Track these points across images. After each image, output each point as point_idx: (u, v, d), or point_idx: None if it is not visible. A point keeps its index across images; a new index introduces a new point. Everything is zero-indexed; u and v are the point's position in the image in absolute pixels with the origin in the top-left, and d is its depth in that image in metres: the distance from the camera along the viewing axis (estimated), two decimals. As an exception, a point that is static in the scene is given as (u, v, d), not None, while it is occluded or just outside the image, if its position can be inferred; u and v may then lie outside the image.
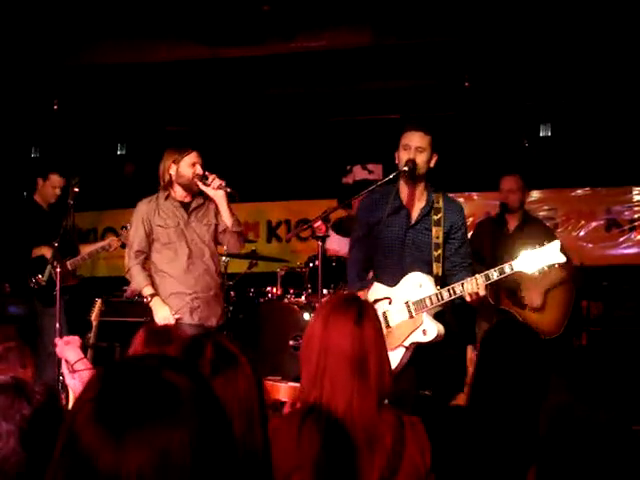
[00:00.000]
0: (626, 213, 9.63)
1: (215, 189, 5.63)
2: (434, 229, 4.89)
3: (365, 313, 2.68)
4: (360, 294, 4.89)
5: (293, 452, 2.45)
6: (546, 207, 9.73)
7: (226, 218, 5.74)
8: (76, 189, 6.49)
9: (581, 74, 8.82)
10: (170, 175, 5.78)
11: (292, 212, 10.46)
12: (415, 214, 4.97)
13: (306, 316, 7.14)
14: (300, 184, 10.34)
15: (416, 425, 2.67)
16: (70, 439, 1.17)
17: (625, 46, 8.01)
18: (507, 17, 7.54)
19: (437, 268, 4.87)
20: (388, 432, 2.57)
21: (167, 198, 5.82)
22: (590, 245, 9.60)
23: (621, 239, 9.61)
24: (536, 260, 4.58)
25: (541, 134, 9.84)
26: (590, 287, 8.32)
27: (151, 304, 5.78)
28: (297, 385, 2.77)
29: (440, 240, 4.87)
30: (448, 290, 4.70)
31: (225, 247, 6.23)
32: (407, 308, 4.81)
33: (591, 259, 9.41)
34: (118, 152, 10.93)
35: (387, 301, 4.90)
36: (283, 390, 5.44)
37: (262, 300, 8.13)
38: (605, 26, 7.60)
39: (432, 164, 4.95)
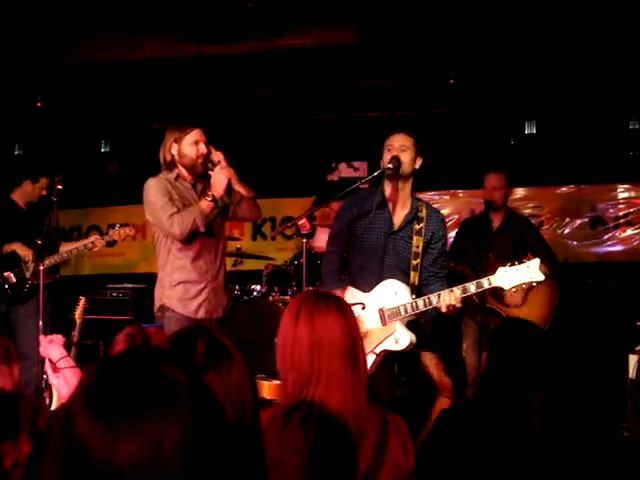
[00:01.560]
0: (611, 211, 9.67)
1: (224, 167, 5.26)
2: (415, 238, 4.85)
3: (343, 303, 2.71)
4: (338, 293, 4.83)
5: (275, 449, 2.44)
6: (531, 204, 9.76)
7: (241, 188, 5.46)
8: (59, 186, 6.44)
9: (566, 72, 8.84)
10: (172, 155, 5.35)
11: (277, 209, 10.45)
12: (398, 221, 4.92)
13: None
14: (285, 181, 10.33)
15: (399, 424, 2.68)
16: (65, 427, 1.18)
17: (609, 43, 8.03)
18: (492, 15, 7.55)
19: (414, 277, 4.84)
20: (373, 428, 2.57)
21: (177, 178, 5.38)
22: (575, 242, 9.63)
23: (606, 236, 9.64)
24: (514, 277, 4.54)
25: (526, 132, 9.87)
26: (575, 284, 8.34)
27: (213, 182, 5.20)
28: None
29: (420, 250, 4.84)
30: (424, 300, 4.64)
31: (244, 217, 5.76)
32: (380, 315, 4.76)
33: (576, 256, 9.45)
34: (102, 150, 10.91)
35: (360, 306, 4.84)
36: (267, 388, 5.43)
37: (247, 298, 8.12)
38: (589, 24, 7.62)
39: (417, 165, 4.89)
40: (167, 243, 5.36)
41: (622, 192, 9.65)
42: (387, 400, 4.69)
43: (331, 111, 10.18)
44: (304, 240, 7.01)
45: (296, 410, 2.54)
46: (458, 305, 4.55)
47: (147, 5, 7.25)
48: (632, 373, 5.62)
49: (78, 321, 6.00)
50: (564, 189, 9.78)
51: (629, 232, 9.59)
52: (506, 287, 4.54)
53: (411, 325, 4.76)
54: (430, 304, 4.60)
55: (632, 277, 8.91)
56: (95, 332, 7.77)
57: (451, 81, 9.05)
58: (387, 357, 4.74)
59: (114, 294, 9.24)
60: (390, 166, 4.79)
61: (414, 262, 4.82)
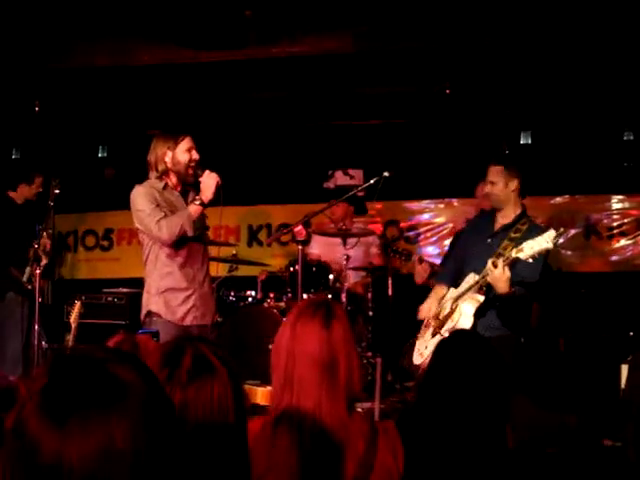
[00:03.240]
0: (605, 221, 9.70)
1: (210, 173, 5.25)
2: (505, 242, 5.21)
3: (333, 315, 2.68)
4: (435, 285, 5.64)
5: (266, 456, 2.46)
6: (526, 214, 9.79)
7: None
8: (56, 191, 6.48)
9: (562, 83, 8.87)
10: (165, 163, 5.31)
11: (273, 216, 10.48)
12: (497, 227, 5.39)
13: (286, 320, 7.15)
14: (281, 188, 10.35)
15: (389, 430, 2.68)
16: (17, 428, 1.20)
17: (604, 55, 8.07)
18: (489, 25, 7.59)
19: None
20: (360, 439, 2.58)
21: (165, 187, 5.35)
22: (569, 252, 9.66)
23: (600, 247, 9.68)
24: (528, 248, 4.75)
25: (521, 142, 9.89)
26: (568, 294, 8.38)
27: (203, 187, 5.23)
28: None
29: (504, 252, 5.10)
30: (475, 280, 5.06)
31: None
32: (452, 301, 5.23)
33: (569, 266, 9.48)
34: (99, 155, 10.92)
35: (451, 299, 5.30)
36: (261, 394, 5.45)
37: (242, 304, 8.13)
38: (585, 35, 7.66)
39: (511, 188, 5.41)
40: (155, 250, 5.35)
41: (616, 203, 9.69)
42: None
43: (327, 119, 10.21)
44: (299, 247, 7.04)
45: (285, 418, 2.56)
46: (497, 272, 4.82)
47: (145, 11, 7.28)
48: (625, 383, 5.66)
49: (73, 325, 6.02)
50: (558, 199, 9.81)
51: (623, 242, 9.63)
52: (522, 257, 4.77)
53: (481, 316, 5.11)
54: (477, 282, 5.04)
55: (625, 287, 8.95)
56: (90, 336, 7.76)
57: (447, 91, 9.09)
58: None
59: (109, 298, 9.25)
60: (387, 173, 5.18)
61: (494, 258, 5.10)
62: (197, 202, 5.23)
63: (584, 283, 9.07)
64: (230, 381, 2.08)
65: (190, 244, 5.34)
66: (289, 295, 7.70)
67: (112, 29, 7.75)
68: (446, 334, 4.95)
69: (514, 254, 4.78)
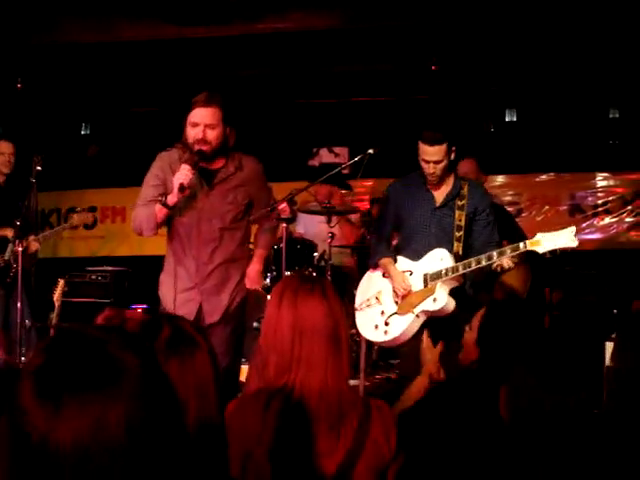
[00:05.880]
0: (590, 199, 9.73)
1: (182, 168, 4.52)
2: (457, 212, 5.15)
3: (327, 287, 2.72)
4: (384, 261, 5.31)
5: (257, 431, 2.46)
6: (511, 192, 9.80)
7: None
8: (39, 167, 6.42)
9: (548, 60, 8.86)
10: (184, 136, 4.66)
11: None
12: (440, 198, 5.23)
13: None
14: (266, 166, 10.28)
15: (382, 408, 2.68)
16: (11, 401, 1.20)
17: (591, 32, 8.06)
18: (474, 2, 7.56)
19: (457, 247, 5.12)
20: (354, 413, 2.58)
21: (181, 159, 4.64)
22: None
23: (584, 224, 9.69)
24: (550, 241, 4.66)
25: (507, 119, 9.90)
26: (553, 272, 8.39)
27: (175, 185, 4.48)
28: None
29: (462, 223, 5.13)
30: (464, 264, 4.92)
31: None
32: (424, 278, 5.07)
33: (554, 244, 9.49)
34: (82, 132, 10.87)
35: (408, 273, 5.16)
36: (245, 371, 5.44)
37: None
38: (571, 13, 7.64)
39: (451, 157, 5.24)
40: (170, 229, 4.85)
41: (601, 180, 9.71)
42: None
43: (313, 96, 10.17)
44: (284, 225, 7.01)
45: (279, 394, 2.55)
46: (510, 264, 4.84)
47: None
48: (609, 361, 5.69)
49: (57, 304, 5.98)
50: (544, 177, 9.82)
51: (607, 220, 9.65)
52: (540, 251, 4.71)
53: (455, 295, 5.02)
54: (469, 266, 4.88)
55: (610, 265, 8.97)
56: (74, 315, 7.75)
57: (433, 67, 9.06)
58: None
59: (93, 277, 9.22)
60: (371, 150, 5.29)
61: (457, 234, 5.12)
62: (162, 200, 4.57)
63: (569, 261, 9.08)
64: (209, 353, 2.07)
65: (200, 231, 4.71)
66: (273, 273, 7.67)
67: (95, 5, 7.67)
68: (422, 315, 4.95)
69: (529, 247, 4.69)
